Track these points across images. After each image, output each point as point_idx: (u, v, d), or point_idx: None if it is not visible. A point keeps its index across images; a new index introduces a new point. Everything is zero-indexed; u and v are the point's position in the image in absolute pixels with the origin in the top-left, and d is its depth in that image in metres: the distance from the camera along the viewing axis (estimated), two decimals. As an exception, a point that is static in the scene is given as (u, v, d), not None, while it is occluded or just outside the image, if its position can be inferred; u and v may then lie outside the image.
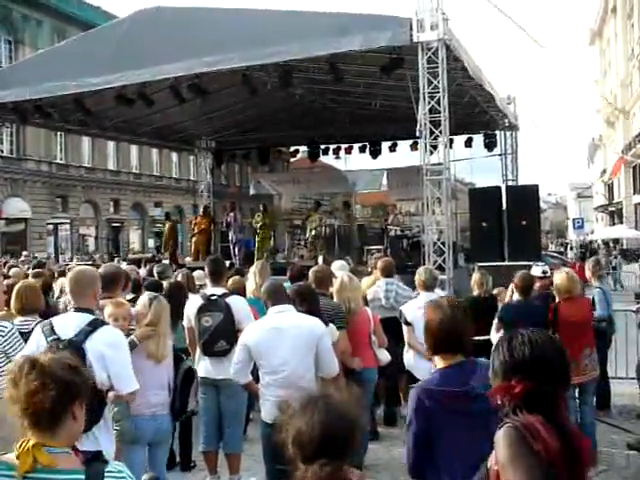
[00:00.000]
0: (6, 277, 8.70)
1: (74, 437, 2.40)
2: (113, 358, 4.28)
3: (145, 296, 5.64)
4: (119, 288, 6.34)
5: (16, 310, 5.57)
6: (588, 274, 9.58)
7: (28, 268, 13.62)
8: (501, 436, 2.46)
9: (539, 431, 2.40)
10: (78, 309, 4.48)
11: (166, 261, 18.80)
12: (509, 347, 2.60)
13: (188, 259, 21.39)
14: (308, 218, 21.55)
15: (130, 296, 7.21)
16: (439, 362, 3.81)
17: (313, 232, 20.81)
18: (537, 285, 8.85)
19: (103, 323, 4.49)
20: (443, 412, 3.59)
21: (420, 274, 7.76)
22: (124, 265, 16.54)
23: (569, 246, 51.53)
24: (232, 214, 21.44)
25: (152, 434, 5.32)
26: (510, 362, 2.58)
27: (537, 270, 9.77)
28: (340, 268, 8.98)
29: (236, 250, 20.65)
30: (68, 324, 4.36)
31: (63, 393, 2.29)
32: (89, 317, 4.38)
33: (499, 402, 2.58)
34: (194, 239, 21.86)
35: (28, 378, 2.26)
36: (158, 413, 5.29)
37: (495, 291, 9.50)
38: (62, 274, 10.98)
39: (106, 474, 2.32)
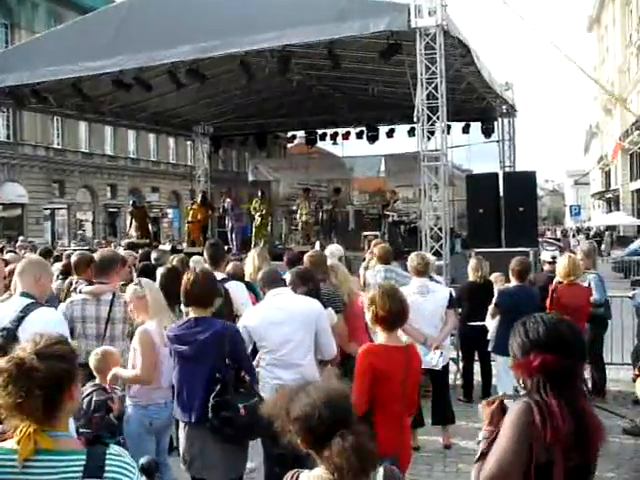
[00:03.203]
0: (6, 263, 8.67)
1: (72, 412, 2.42)
2: None
3: (131, 286, 5.72)
4: (115, 273, 6.37)
5: (16, 294, 5.60)
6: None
7: (24, 253, 13.61)
8: (511, 408, 2.64)
9: (554, 413, 2.51)
10: (22, 294, 4.61)
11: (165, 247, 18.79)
12: (524, 329, 2.70)
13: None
14: (299, 205, 21.61)
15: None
16: (189, 313, 4.95)
17: (304, 218, 20.88)
18: (546, 269, 8.97)
19: (38, 306, 4.53)
20: (175, 351, 4.86)
21: (412, 260, 7.75)
22: (120, 250, 16.55)
23: (571, 233, 51.42)
24: (228, 200, 21.43)
25: (165, 422, 5.38)
26: (527, 342, 2.67)
27: (547, 255, 9.91)
28: (332, 252, 8.93)
29: (233, 236, 20.66)
30: (7, 311, 4.45)
31: (56, 389, 2.28)
32: (26, 302, 4.46)
33: (521, 381, 2.69)
34: (189, 226, 21.84)
35: (17, 385, 2.22)
36: (170, 401, 5.28)
37: (492, 277, 9.55)
38: (57, 259, 11.00)
39: (107, 456, 2.33)
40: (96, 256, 6.47)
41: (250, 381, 4.86)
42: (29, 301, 4.50)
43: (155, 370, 5.22)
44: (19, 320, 4.33)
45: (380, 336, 4.56)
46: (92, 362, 5.31)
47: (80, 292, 6.26)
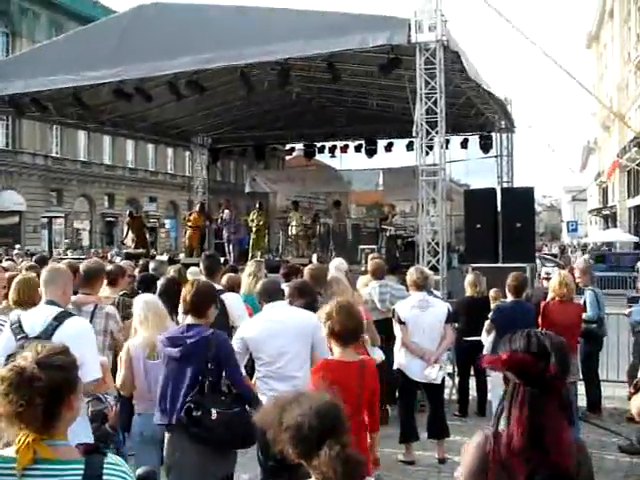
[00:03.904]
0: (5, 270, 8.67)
1: (72, 422, 2.44)
2: (76, 347, 4.24)
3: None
4: (100, 284, 6.39)
5: (13, 302, 5.58)
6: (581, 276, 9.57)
7: (22, 262, 13.60)
8: (473, 437, 2.71)
9: (511, 431, 2.54)
10: (48, 302, 4.61)
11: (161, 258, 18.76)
12: (509, 341, 2.71)
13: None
14: (290, 218, 21.60)
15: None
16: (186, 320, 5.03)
17: (294, 230, 20.88)
18: (544, 285, 8.99)
19: (70, 315, 4.53)
20: (166, 355, 4.89)
21: (411, 274, 7.78)
22: (118, 260, 16.55)
23: (570, 249, 51.37)
24: (227, 211, 21.43)
25: (156, 434, 5.35)
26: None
27: (545, 271, 9.95)
28: (337, 267, 8.94)
29: (230, 247, 20.66)
30: (36, 319, 4.43)
31: (55, 399, 2.30)
32: (56, 310, 4.45)
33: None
34: (187, 235, 21.80)
35: (18, 393, 2.24)
36: None
37: (492, 293, 9.53)
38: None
39: (105, 465, 2.35)
40: (81, 267, 6.44)
41: (235, 392, 4.83)
42: (59, 309, 4.49)
43: (131, 383, 5.31)
44: (54, 328, 4.31)
45: (335, 351, 4.63)
46: None
47: None
